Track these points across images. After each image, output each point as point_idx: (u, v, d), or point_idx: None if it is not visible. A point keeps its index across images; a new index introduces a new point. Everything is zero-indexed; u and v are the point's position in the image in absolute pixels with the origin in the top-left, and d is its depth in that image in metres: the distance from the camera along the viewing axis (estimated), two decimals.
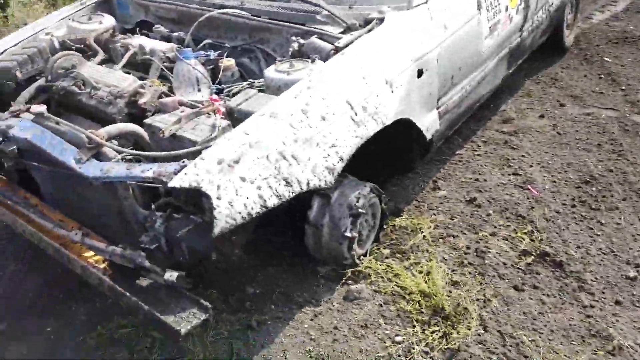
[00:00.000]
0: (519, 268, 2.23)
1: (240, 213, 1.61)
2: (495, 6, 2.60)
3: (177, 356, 1.97)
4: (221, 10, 2.34)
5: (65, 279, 2.22)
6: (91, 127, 2.01)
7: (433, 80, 2.23)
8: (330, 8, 2.19)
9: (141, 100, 2.13)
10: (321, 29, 2.15)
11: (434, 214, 2.56)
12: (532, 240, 2.35)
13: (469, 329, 1.94)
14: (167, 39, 2.52)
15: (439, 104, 2.38)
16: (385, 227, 2.41)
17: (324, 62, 2.00)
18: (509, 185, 2.71)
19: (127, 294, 1.67)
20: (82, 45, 2.59)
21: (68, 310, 2.21)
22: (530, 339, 1.92)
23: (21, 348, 2.09)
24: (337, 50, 2.04)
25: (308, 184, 1.75)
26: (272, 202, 1.67)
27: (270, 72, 2.01)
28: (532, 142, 3.04)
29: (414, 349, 1.91)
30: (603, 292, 2.09)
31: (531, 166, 2.83)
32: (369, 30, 2.11)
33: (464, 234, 2.44)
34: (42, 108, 2.05)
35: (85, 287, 2.12)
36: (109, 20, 2.80)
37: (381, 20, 2.14)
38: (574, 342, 1.91)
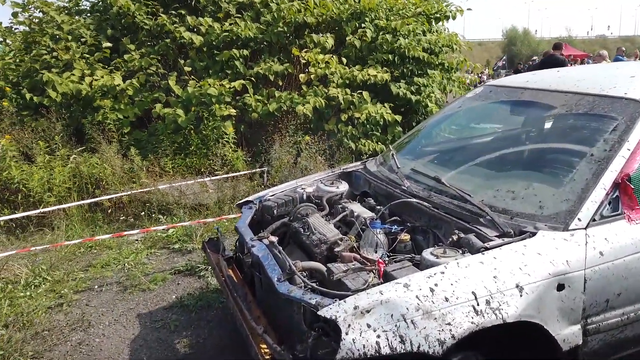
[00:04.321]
0: None
1: (358, 350, 2.15)
2: None
3: None
4: (413, 200, 3.08)
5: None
6: (301, 259, 2.90)
7: (576, 297, 2.42)
8: (494, 215, 2.68)
9: (336, 249, 2.94)
10: (480, 229, 2.64)
11: None
12: None
13: None
14: (371, 209, 3.36)
15: (587, 321, 2.49)
16: None
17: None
18: None
19: None
20: (319, 201, 3.65)
21: None
22: None
23: None
24: (485, 249, 2.49)
25: (419, 347, 2.18)
26: (385, 351, 2.16)
27: (426, 253, 2.58)
28: None
29: None
30: None
31: None
32: (520, 240, 2.50)
33: None
34: (274, 239, 3.06)
35: None
36: (343, 187, 3.83)
37: (533, 234, 2.51)
38: None
